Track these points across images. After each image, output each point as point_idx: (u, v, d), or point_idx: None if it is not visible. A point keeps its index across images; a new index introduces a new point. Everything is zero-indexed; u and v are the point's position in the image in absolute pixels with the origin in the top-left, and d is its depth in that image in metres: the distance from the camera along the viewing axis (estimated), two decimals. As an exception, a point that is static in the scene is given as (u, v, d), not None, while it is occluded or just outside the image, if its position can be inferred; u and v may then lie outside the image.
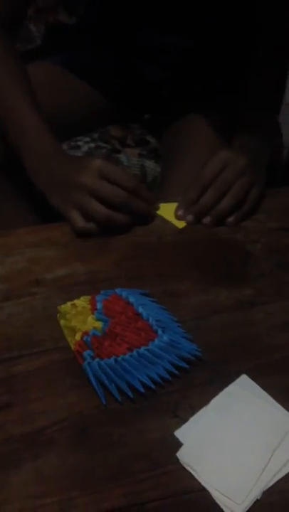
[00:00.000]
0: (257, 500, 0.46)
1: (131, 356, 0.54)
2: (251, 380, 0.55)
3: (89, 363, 0.54)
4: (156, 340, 0.56)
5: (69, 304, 0.60)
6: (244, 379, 0.55)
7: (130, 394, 0.53)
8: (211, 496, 0.46)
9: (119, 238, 0.71)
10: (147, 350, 0.55)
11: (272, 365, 0.57)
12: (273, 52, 0.90)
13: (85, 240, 0.70)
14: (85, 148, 1.02)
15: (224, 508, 0.46)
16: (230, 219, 0.73)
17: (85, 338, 0.56)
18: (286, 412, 0.53)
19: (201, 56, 0.94)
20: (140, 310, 0.58)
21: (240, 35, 0.91)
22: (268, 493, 0.47)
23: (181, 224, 0.73)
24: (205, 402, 0.53)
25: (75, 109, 0.96)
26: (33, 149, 0.75)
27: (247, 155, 0.75)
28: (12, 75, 0.81)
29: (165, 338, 0.56)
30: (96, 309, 0.58)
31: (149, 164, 1.01)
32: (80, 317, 0.58)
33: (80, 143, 1.02)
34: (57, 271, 0.66)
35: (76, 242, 0.70)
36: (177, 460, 0.49)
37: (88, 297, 0.60)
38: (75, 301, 0.60)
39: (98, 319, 0.57)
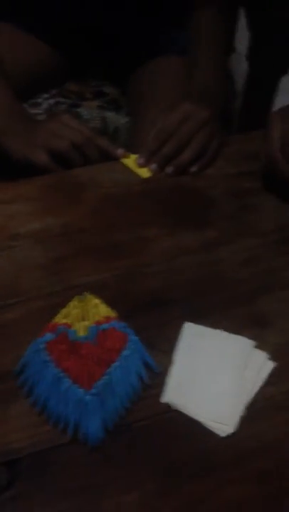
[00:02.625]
0: (242, 416, 0.52)
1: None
2: (196, 324, 0.60)
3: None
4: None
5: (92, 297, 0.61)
6: (190, 325, 0.60)
7: None
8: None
9: (88, 191, 0.75)
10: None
11: (238, 298, 0.63)
12: None
13: (55, 193, 0.74)
14: (45, 104, 1.04)
15: (217, 431, 0.51)
16: (193, 168, 0.78)
17: (60, 328, 0.57)
18: (243, 338, 0.58)
19: None
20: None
21: None
22: (249, 408, 0.53)
23: (145, 174, 0.78)
24: (179, 334, 0.59)
25: (33, 68, 0.98)
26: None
27: (208, 106, 0.79)
28: None
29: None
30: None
31: (110, 115, 1.03)
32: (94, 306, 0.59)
33: (39, 100, 1.04)
34: (32, 225, 0.70)
35: (47, 196, 0.74)
36: (158, 385, 0.55)
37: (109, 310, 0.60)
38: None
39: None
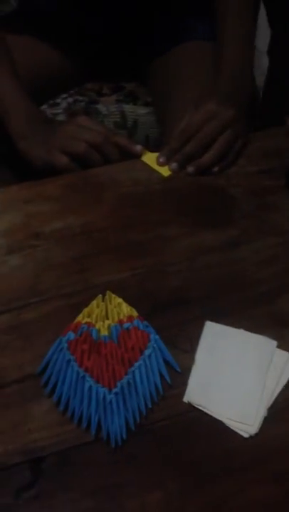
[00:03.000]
0: (265, 417, 0.52)
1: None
2: (217, 324, 0.60)
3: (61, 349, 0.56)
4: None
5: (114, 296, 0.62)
6: (212, 325, 0.60)
7: None
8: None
9: (108, 190, 0.75)
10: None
11: (259, 297, 0.63)
12: None
13: (76, 193, 0.74)
14: (64, 104, 1.04)
15: (240, 432, 0.51)
16: (215, 168, 0.77)
17: (83, 327, 0.58)
18: (265, 337, 0.58)
19: None
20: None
21: None
22: (271, 409, 0.53)
23: (166, 172, 0.77)
24: (200, 333, 0.59)
25: (51, 71, 0.98)
26: (15, 114, 0.81)
27: (234, 105, 0.77)
28: None
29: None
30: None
31: (128, 108, 1.03)
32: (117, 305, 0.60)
33: (58, 100, 1.05)
34: (53, 224, 0.70)
35: (68, 196, 0.74)
36: (179, 385, 0.55)
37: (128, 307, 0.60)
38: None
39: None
